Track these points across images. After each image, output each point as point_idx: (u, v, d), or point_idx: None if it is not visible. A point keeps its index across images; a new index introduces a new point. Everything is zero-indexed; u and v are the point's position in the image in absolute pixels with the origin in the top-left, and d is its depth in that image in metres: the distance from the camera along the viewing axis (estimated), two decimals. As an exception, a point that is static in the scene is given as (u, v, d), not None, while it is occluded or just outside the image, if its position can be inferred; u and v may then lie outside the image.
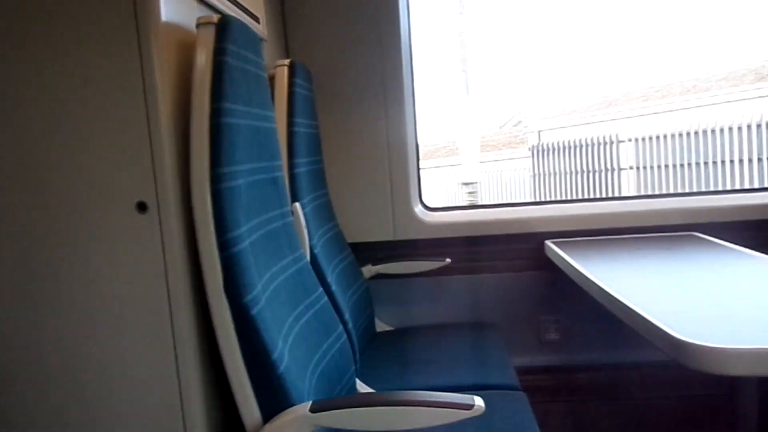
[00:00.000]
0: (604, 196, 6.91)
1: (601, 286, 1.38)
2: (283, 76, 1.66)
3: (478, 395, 0.99)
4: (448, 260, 2.05)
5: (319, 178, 1.90)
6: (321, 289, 1.39)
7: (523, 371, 1.76)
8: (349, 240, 2.02)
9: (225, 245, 1.02)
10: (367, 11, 2.02)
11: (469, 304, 2.13)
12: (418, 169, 2.18)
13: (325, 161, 2.00)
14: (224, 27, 1.06)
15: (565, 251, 1.80)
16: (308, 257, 1.52)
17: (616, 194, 7.15)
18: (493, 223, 2.13)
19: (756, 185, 6.18)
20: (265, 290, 1.10)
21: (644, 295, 1.29)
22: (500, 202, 9.73)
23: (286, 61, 1.67)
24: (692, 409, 1.97)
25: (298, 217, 1.53)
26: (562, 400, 2.07)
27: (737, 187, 6.37)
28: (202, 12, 1.17)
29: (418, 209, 2.13)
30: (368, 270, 2.08)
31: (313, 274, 1.40)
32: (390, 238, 2.11)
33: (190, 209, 1.03)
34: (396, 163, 2.09)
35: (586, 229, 2.06)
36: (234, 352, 1.03)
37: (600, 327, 2.01)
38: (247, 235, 1.08)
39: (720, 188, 6.36)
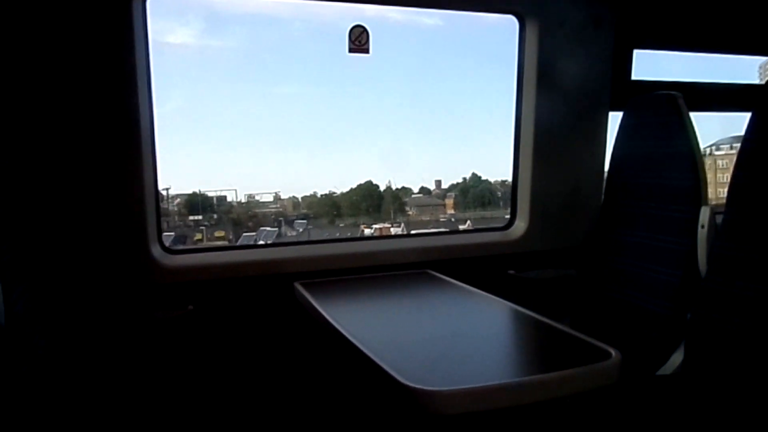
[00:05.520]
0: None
1: (340, 330, 1.39)
2: None
3: None
4: (190, 307, 1.89)
5: None
6: None
7: None
8: None
9: None
10: (95, 33, 1.78)
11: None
12: (158, 207, 1.98)
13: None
14: None
15: (311, 293, 1.80)
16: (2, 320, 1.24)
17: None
18: (242, 266, 2.04)
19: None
20: None
21: (377, 338, 1.33)
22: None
23: None
24: None
25: None
26: None
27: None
28: None
29: (156, 251, 1.94)
30: None
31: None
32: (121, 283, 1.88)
33: None
34: (129, 202, 1.87)
35: (335, 268, 2.09)
36: None
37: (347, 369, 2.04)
38: None
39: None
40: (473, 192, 2.77)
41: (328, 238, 2.51)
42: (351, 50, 2.04)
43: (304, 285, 1.90)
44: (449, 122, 2.58)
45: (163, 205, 2.49)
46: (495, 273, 2.22)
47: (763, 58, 2.70)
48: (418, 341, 1.38)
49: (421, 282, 1.99)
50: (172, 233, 2.46)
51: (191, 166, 2.35)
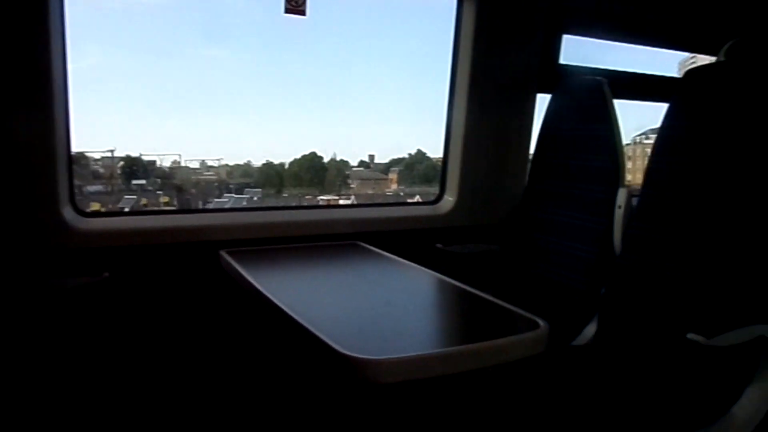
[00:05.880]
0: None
1: (272, 300, 1.36)
2: None
3: None
4: (106, 274, 1.78)
5: None
6: None
7: None
8: None
9: None
10: None
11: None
12: (70, 167, 1.84)
13: None
14: None
15: (239, 262, 1.74)
16: None
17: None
18: (164, 231, 1.94)
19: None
20: None
21: (310, 307, 1.32)
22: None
23: None
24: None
25: None
26: None
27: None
28: None
29: (69, 214, 1.80)
30: None
31: None
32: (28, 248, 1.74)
33: None
34: (38, 161, 1.72)
35: (262, 237, 2.04)
36: None
37: (279, 339, 2.01)
38: None
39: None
40: (419, 168, 2.79)
41: (255, 206, 2.44)
42: (287, 11, 1.96)
43: (230, 253, 1.84)
44: (388, 95, 2.56)
45: (99, 167, 2.34)
46: (423, 246, 2.25)
47: (684, 54, 2.88)
48: (352, 311, 1.38)
49: (351, 253, 1.99)
50: (135, 196, 2.35)
51: (110, 127, 2.20)
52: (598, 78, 2.04)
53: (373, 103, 2.53)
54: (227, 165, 2.52)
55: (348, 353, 1.03)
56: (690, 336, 1.30)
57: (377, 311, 1.39)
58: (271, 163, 2.53)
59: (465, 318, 1.39)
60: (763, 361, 1.46)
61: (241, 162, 2.55)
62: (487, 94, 2.32)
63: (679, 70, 2.87)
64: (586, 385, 1.62)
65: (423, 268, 1.73)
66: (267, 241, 2.02)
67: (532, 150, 2.36)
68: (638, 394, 1.53)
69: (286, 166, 2.56)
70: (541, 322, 1.20)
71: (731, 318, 1.43)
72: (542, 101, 2.35)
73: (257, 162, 2.55)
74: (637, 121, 2.99)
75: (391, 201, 2.73)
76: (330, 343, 1.07)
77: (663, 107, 1.85)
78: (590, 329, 1.91)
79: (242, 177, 2.53)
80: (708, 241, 1.60)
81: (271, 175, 2.53)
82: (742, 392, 1.45)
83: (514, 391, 1.51)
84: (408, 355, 1.05)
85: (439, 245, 2.31)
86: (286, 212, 2.24)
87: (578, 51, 2.51)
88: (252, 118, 2.35)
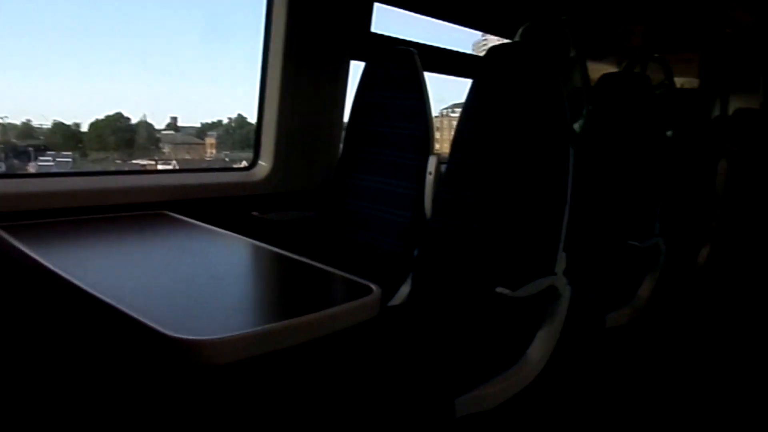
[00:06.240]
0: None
1: (71, 281, 1.17)
2: None
3: None
4: None
5: None
6: None
7: None
8: None
9: None
10: None
11: None
12: None
13: None
14: None
15: (20, 239, 1.47)
16: None
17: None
18: None
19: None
20: None
21: (120, 287, 1.17)
22: None
23: None
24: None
25: None
26: None
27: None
28: None
29: None
30: None
31: None
32: None
33: None
34: None
35: (49, 208, 1.75)
36: None
37: (85, 326, 1.76)
38: None
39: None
40: (241, 133, 2.60)
41: (37, 172, 2.09)
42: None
43: (7, 229, 1.54)
44: (203, 56, 2.34)
45: None
46: (238, 214, 2.16)
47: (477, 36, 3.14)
48: (171, 288, 1.26)
49: (159, 224, 1.81)
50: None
51: None
52: (409, 48, 2.12)
53: (187, 64, 2.30)
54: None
55: (176, 335, 0.93)
56: (498, 289, 1.44)
57: (201, 287, 1.29)
58: (63, 123, 2.16)
59: (297, 288, 1.36)
60: (550, 308, 1.69)
61: (17, 122, 2.13)
62: (301, 59, 2.27)
63: (473, 49, 3.13)
64: (402, 342, 1.71)
65: (244, 238, 1.65)
66: (54, 212, 1.75)
67: (347, 117, 2.39)
68: (450, 345, 1.67)
69: (84, 128, 2.21)
70: (373, 287, 1.22)
71: (529, 271, 1.62)
72: (357, 69, 2.37)
73: (41, 121, 2.15)
74: (439, 94, 3.21)
75: (216, 167, 2.54)
76: (152, 325, 0.96)
77: (462, 83, 2.00)
78: (405, 289, 2.02)
79: (24, 138, 2.12)
80: (506, 204, 1.79)
81: (67, 137, 2.16)
82: (534, 336, 1.66)
83: (344, 356, 1.54)
84: (245, 331, 0.98)
85: (255, 213, 2.23)
86: (79, 179, 1.96)
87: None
88: (28, 70, 1.98)
